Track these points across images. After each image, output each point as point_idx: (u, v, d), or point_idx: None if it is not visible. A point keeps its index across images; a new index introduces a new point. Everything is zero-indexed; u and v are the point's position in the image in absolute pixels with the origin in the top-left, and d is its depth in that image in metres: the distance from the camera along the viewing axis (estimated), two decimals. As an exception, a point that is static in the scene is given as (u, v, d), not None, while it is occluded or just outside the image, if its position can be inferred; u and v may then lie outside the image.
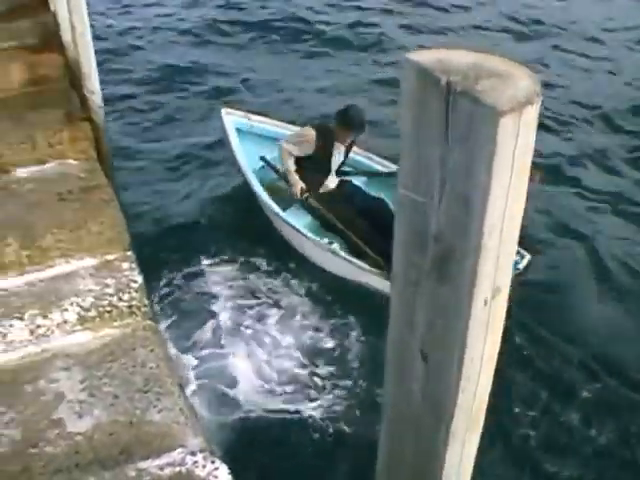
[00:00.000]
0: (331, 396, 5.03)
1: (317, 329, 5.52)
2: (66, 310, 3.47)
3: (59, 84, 5.33)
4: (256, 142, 6.90)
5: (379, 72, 9.62)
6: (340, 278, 5.76)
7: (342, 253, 5.80)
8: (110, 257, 3.79)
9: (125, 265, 3.72)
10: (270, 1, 12.17)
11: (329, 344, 5.40)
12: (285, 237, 6.18)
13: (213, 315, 5.33)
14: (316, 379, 5.14)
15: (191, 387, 4.75)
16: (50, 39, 5.72)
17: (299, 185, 6.03)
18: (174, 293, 5.34)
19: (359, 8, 12.10)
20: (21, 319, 3.44)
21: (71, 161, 4.52)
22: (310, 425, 4.77)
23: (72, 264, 3.76)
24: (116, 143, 6.07)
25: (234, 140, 6.83)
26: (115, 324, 3.47)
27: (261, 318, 5.58)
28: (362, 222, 6.02)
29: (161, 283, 5.38)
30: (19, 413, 3.08)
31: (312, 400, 4.96)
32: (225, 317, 5.39)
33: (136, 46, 10.33)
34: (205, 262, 5.82)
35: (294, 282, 5.92)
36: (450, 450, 1.59)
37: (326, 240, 5.98)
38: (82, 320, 3.47)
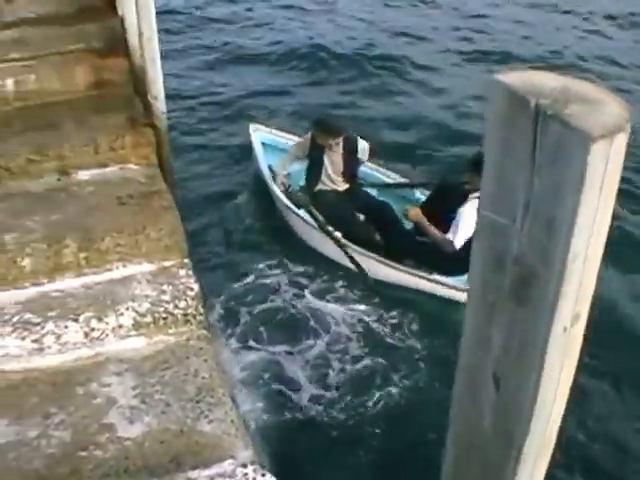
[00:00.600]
0: (385, 402, 5.09)
1: (370, 328, 5.67)
2: (121, 315, 3.55)
3: (123, 89, 5.46)
4: (278, 155, 7.55)
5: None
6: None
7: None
8: (167, 264, 3.87)
9: (182, 272, 3.79)
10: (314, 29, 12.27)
11: (385, 347, 5.56)
12: (305, 237, 6.78)
13: (266, 319, 5.42)
14: (371, 382, 5.24)
15: (244, 386, 4.85)
16: (116, 43, 5.84)
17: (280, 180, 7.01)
18: (228, 299, 5.40)
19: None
20: (76, 321, 3.54)
21: (132, 166, 4.63)
22: (365, 431, 4.81)
23: (129, 268, 3.86)
24: (177, 150, 6.15)
25: (259, 152, 7.63)
26: (170, 331, 3.55)
27: (315, 316, 5.75)
28: (358, 216, 6.83)
29: (215, 289, 5.44)
30: (70, 415, 3.17)
31: (367, 405, 5.02)
32: (278, 320, 5.55)
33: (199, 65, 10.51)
34: (258, 267, 5.91)
35: (345, 285, 6.16)
36: (519, 476, 1.59)
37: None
38: (137, 326, 3.55)
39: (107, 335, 3.52)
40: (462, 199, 5.87)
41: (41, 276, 3.82)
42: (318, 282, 6.04)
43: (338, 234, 6.47)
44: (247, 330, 5.25)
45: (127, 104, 5.17)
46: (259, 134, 7.97)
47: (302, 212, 6.67)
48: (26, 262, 3.81)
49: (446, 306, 5.80)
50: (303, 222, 6.67)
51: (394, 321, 5.77)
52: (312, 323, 5.60)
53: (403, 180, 7.40)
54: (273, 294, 5.74)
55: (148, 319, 3.55)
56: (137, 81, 5.45)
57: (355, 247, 6.33)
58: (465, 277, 5.71)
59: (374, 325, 5.69)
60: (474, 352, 1.63)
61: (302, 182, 7.11)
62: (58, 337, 3.49)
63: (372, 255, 6.25)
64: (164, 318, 3.56)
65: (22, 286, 3.79)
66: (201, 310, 3.61)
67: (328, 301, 5.91)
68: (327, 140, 6.71)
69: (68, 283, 3.79)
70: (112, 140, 4.66)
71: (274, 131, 8.13)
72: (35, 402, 3.25)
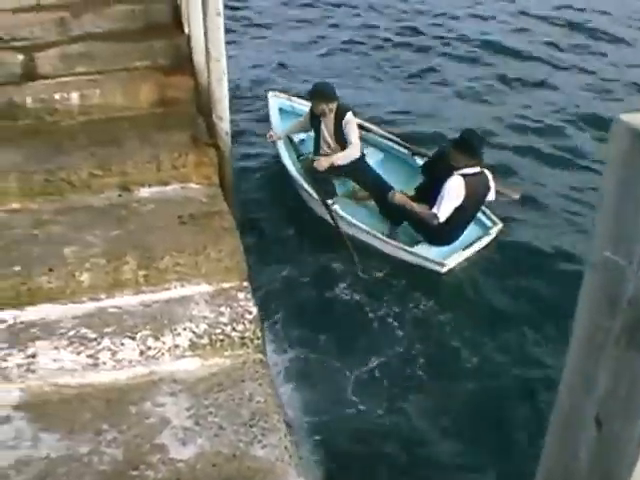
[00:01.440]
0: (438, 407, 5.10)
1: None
2: (178, 335, 3.65)
3: (187, 107, 5.62)
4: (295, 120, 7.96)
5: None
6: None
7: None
8: (226, 285, 3.96)
9: (241, 295, 3.87)
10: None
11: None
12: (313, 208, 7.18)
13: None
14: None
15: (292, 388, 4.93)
16: (182, 61, 6.02)
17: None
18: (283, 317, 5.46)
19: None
20: (133, 339, 3.65)
21: (193, 185, 4.75)
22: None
23: (188, 289, 3.96)
24: (239, 171, 6.25)
25: (275, 118, 8.10)
26: (226, 354, 3.63)
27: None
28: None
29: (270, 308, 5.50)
30: (122, 433, 3.26)
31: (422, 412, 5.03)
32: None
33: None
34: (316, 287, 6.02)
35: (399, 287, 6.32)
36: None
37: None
38: (193, 346, 3.65)
39: (163, 354, 3.61)
40: (448, 174, 6.31)
41: (99, 291, 3.95)
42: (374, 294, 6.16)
43: (337, 207, 6.85)
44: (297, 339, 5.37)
45: (190, 123, 5.32)
46: (276, 100, 8.36)
47: (306, 184, 7.11)
48: (85, 277, 3.95)
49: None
50: (308, 195, 7.09)
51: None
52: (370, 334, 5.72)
53: (404, 143, 7.89)
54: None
55: (205, 340, 3.64)
56: (201, 100, 5.60)
57: (350, 219, 6.75)
58: (446, 248, 6.55)
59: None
60: (576, 392, 1.63)
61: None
62: (114, 354, 3.60)
63: (363, 227, 6.69)
64: (221, 340, 3.65)
65: (80, 300, 3.92)
66: (259, 334, 3.68)
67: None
68: (321, 106, 7.09)
69: (126, 300, 3.91)
70: (174, 158, 4.80)
71: (293, 98, 8.54)
72: (88, 418, 3.35)
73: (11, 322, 3.78)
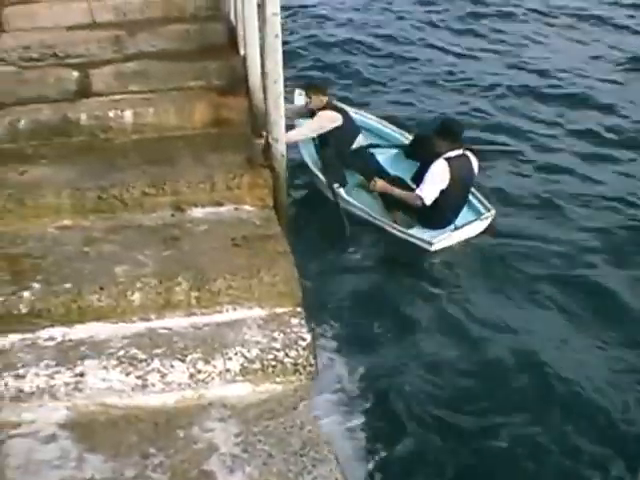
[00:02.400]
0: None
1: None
2: (229, 359, 3.68)
3: (241, 128, 5.70)
4: None
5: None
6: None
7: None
8: (280, 310, 3.98)
9: (295, 321, 3.89)
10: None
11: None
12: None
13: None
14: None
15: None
16: (237, 83, 6.10)
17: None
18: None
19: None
20: (183, 361, 3.68)
21: (247, 207, 4.81)
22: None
23: (240, 312, 4.00)
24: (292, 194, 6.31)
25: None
26: (278, 380, 3.65)
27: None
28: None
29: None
30: (169, 458, 3.29)
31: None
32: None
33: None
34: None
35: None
36: None
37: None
38: (244, 371, 3.67)
39: (213, 378, 3.64)
40: (434, 158, 6.92)
41: (150, 312, 4.00)
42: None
43: (342, 191, 7.31)
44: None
45: (245, 144, 5.39)
46: (303, 98, 8.52)
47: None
48: (136, 296, 4.01)
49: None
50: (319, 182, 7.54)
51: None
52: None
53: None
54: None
55: (256, 366, 3.66)
56: (256, 121, 5.65)
57: (352, 201, 7.23)
58: (436, 232, 6.92)
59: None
60: None
61: None
62: (163, 376, 3.64)
63: (364, 209, 7.16)
64: (273, 366, 3.66)
65: (130, 320, 3.98)
66: (312, 361, 3.69)
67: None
68: (319, 97, 7.62)
69: (177, 322, 3.95)
70: (229, 179, 4.86)
71: None
72: (134, 440, 3.38)
73: (60, 340, 3.85)
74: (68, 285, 4.03)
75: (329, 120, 7.57)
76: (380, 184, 7.25)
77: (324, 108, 7.62)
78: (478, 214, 7.16)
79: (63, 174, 5.01)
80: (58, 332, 3.89)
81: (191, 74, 6.24)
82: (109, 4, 7.04)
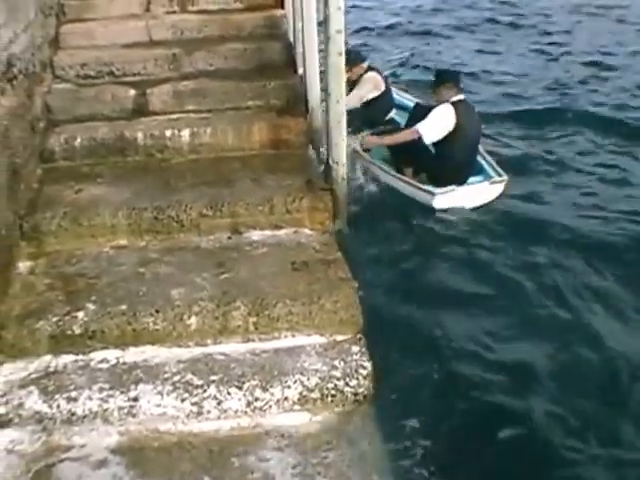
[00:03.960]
0: None
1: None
2: (288, 387, 3.71)
3: (300, 150, 5.77)
4: None
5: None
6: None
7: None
8: (340, 338, 4.01)
9: (355, 349, 3.92)
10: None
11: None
12: None
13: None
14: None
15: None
16: (295, 103, 6.16)
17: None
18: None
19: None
20: (240, 388, 3.73)
21: (307, 231, 4.86)
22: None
23: (299, 339, 4.05)
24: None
25: None
26: (337, 410, 3.68)
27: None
28: None
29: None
30: (224, 487, 3.27)
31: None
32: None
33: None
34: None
35: None
36: None
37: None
38: (303, 400, 3.70)
39: (270, 407, 3.68)
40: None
41: (206, 337, 4.07)
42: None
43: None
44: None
45: (304, 166, 5.46)
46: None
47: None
48: (192, 320, 4.07)
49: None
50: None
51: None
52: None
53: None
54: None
55: (315, 395, 3.69)
56: (316, 143, 5.70)
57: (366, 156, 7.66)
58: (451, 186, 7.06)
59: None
60: None
61: None
62: (219, 403, 3.69)
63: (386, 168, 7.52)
64: (333, 395, 3.69)
65: (186, 345, 4.04)
66: (372, 391, 3.68)
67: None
68: (359, 65, 8.04)
69: (234, 347, 4.00)
70: (288, 202, 4.92)
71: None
72: (188, 468, 3.44)
73: (114, 362, 3.93)
74: (123, 307, 4.11)
75: (375, 84, 7.91)
76: (369, 139, 7.68)
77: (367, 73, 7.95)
78: (488, 177, 7.25)
79: (119, 193, 5.11)
80: (112, 355, 3.97)
81: (249, 94, 6.30)
82: (166, 22, 7.14)
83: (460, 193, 7.05)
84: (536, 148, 8.96)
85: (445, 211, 7.14)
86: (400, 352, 5.40)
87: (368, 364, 3.80)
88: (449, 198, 7.01)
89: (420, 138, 7.12)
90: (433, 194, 6.93)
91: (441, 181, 7.14)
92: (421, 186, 7.09)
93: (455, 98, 7.13)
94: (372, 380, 3.74)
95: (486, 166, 7.37)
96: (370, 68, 8.30)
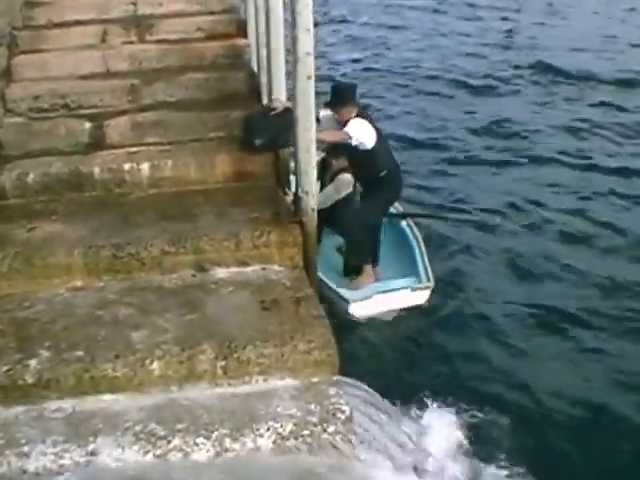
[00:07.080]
0: None
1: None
2: (260, 435, 3.54)
3: (266, 181, 5.63)
4: None
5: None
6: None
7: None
8: (315, 380, 3.85)
9: (332, 391, 3.76)
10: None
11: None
12: None
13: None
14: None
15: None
16: (260, 133, 5.99)
17: None
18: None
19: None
20: (207, 438, 3.53)
21: (276, 267, 4.72)
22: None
23: (271, 383, 3.87)
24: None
25: None
26: (316, 460, 3.45)
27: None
28: None
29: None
30: None
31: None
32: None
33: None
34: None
35: None
36: None
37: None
38: (278, 449, 3.50)
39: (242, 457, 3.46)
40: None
41: (171, 383, 3.87)
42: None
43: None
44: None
45: (271, 198, 5.33)
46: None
47: None
48: (155, 365, 3.88)
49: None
50: None
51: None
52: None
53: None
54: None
55: (291, 442, 3.51)
56: (282, 174, 5.56)
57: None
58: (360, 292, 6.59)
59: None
60: None
61: None
62: (185, 455, 3.49)
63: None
64: (309, 443, 3.50)
65: (149, 392, 3.84)
66: (352, 437, 3.53)
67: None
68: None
69: (201, 393, 3.82)
70: (255, 236, 4.77)
71: None
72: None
73: (70, 411, 3.73)
74: (80, 353, 3.94)
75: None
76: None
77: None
78: (414, 281, 6.69)
79: (75, 231, 4.93)
80: (68, 404, 3.77)
81: (211, 124, 6.18)
82: (124, 52, 7.02)
83: (379, 299, 6.54)
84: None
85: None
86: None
87: (346, 407, 3.64)
88: (366, 305, 6.50)
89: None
90: (348, 301, 6.43)
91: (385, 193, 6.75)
92: (338, 291, 6.51)
93: (360, 113, 6.56)
94: (351, 425, 3.57)
95: (419, 265, 6.83)
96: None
